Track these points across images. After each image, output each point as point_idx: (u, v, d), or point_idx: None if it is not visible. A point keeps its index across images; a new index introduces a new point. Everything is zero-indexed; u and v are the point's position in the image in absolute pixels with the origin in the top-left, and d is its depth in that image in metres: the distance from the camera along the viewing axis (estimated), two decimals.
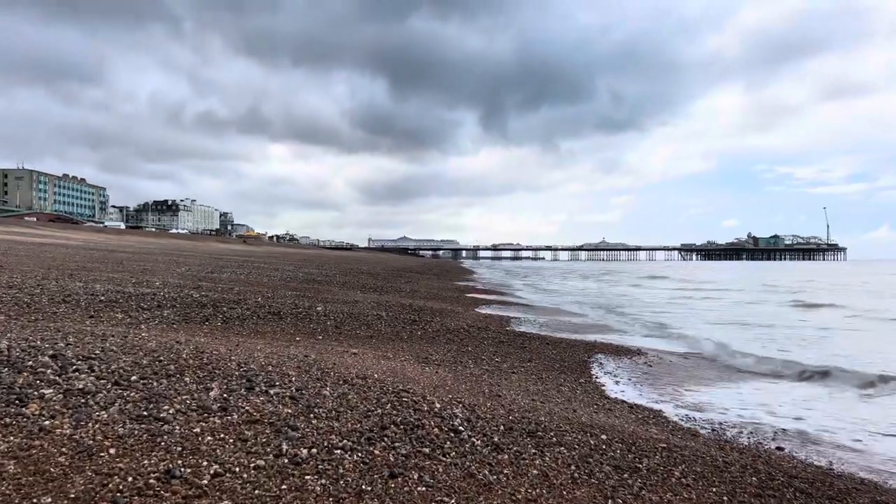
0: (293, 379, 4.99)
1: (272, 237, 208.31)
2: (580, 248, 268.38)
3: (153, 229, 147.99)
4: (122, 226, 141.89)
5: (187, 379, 4.61)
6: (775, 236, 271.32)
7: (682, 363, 9.41)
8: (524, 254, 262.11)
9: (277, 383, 4.75)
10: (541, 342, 9.96)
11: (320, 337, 8.49)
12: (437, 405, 4.69)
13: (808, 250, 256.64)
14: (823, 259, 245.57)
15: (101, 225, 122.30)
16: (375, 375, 5.71)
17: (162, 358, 5.16)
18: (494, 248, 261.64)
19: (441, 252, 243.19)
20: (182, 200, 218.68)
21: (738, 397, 7.18)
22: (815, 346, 11.59)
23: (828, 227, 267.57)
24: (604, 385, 7.34)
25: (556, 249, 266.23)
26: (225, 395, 4.29)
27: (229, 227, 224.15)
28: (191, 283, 13.67)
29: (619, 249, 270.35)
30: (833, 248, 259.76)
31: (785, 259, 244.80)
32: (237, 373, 4.95)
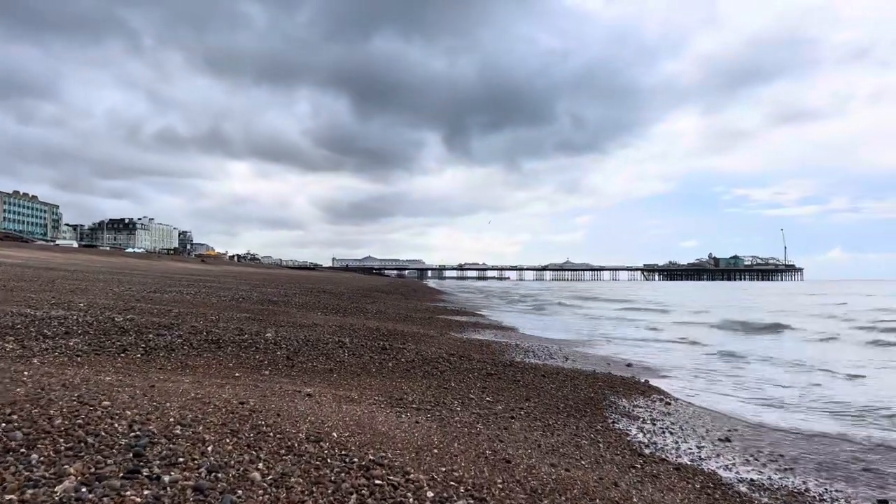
0: (209, 449, 3.34)
1: (233, 256, 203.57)
2: (545, 268, 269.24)
3: (107, 248, 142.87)
4: (75, 244, 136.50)
5: (35, 456, 2.94)
6: (735, 257, 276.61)
7: (701, 412, 7.94)
8: (490, 273, 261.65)
9: (181, 459, 3.10)
10: (534, 373, 8.40)
11: (266, 372, 6.78)
12: (430, 492, 3.08)
13: (766, 271, 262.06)
14: (781, 279, 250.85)
15: (52, 243, 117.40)
16: (335, 435, 4.07)
17: (15, 416, 3.47)
18: (460, 267, 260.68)
19: (407, 272, 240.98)
20: (140, 219, 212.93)
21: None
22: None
23: (785, 248, 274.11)
24: (627, 432, 5.80)
25: (521, 269, 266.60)
26: (83, 490, 2.62)
27: (188, 246, 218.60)
28: (122, 305, 11.79)
29: (584, 269, 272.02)
30: (791, 269, 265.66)
31: (745, 279, 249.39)
32: (124, 441, 3.28)
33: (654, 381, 9.15)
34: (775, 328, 20.84)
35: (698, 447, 5.50)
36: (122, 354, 6.78)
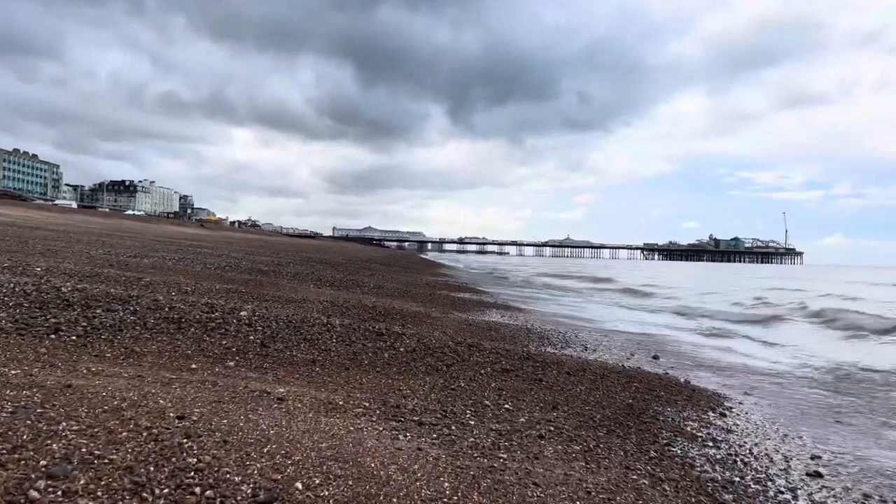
0: None
1: (234, 223, 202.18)
2: (545, 245, 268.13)
3: (107, 210, 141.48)
4: (74, 205, 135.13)
5: None
6: (736, 239, 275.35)
7: (762, 425, 6.65)
8: (489, 248, 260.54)
9: None
10: (557, 370, 7.07)
11: (232, 363, 5.45)
12: None
13: (766, 254, 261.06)
14: (781, 262, 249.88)
15: (51, 203, 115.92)
16: (299, 485, 2.75)
17: None
18: (460, 241, 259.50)
19: (406, 244, 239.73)
20: (140, 182, 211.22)
21: None
22: None
23: (786, 231, 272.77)
24: (691, 462, 4.48)
25: (521, 245, 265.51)
26: None
27: (189, 211, 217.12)
28: (88, 271, 10.44)
29: (584, 247, 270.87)
30: (791, 253, 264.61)
31: (744, 261, 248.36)
32: None
33: (692, 380, 7.85)
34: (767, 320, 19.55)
35: (790, 488, 4.18)
36: (54, 335, 5.44)
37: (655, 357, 10.08)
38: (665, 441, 4.91)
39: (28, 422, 3.00)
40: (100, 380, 4.27)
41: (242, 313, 7.25)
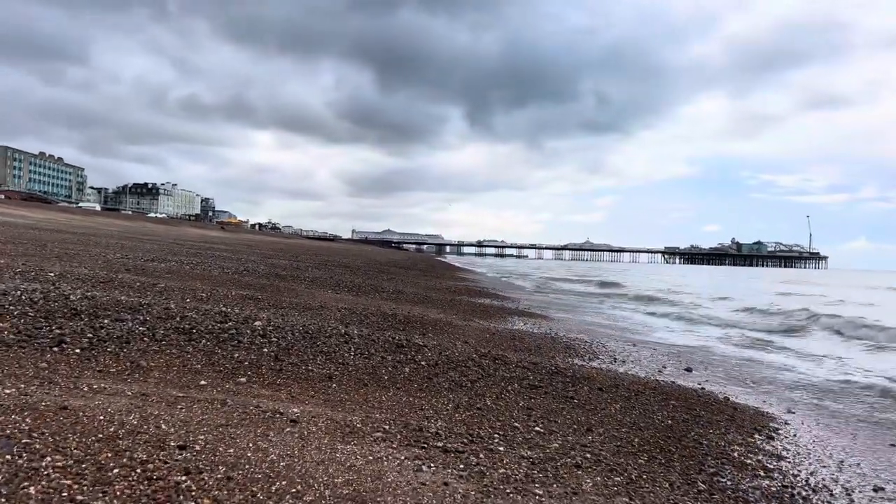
0: None
1: (254, 225, 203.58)
2: (565, 248, 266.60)
3: (129, 212, 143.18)
4: (98, 207, 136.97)
5: None
6: (758, 242, 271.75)
7: (814, 447, 6.18)
8: (508, 251, 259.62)
9: None
10: (588, 385, 6.66)
11: (243, 378, 5.12)
12: None
13: (790, 258, 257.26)
14: (805, 267, 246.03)
15: (75, 205, 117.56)
16: None
17: None
18: (479, 244, 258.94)
19: (425, 246, 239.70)
20: (163, 184, 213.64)
21: None
22: None
23: (810, 235, 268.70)
24: (745, 498, 4.06)
25: (540, 248, 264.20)
26: None
27: (210, 214, 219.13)
28: (104, 276, 10.21)
29: (604, 250, 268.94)
30: (815, 257, 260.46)
31: (767, 265, 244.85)
32: None
33: (729, 395, 7.39)
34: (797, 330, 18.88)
35: None
36: (57, 348, 5.15)
37: (688, 370, 9.61)
38: (712, 469, 4.48)
39: (7, 457, 2.67)
40: (100, 399, 3.95)
41: (257, 323, 6.92)
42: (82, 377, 4.52)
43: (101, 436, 3.18)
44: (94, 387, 4.28)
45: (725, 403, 6.81)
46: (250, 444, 3.43)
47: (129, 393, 4.25)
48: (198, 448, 3.22)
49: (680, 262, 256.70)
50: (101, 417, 3.51)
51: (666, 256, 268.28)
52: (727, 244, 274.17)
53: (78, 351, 5.16)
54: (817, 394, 8.43)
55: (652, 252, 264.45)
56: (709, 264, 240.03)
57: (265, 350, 6.01)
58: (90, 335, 5.62)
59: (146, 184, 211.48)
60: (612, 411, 5.74)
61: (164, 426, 3.51)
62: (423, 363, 6.43)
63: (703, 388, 7.80)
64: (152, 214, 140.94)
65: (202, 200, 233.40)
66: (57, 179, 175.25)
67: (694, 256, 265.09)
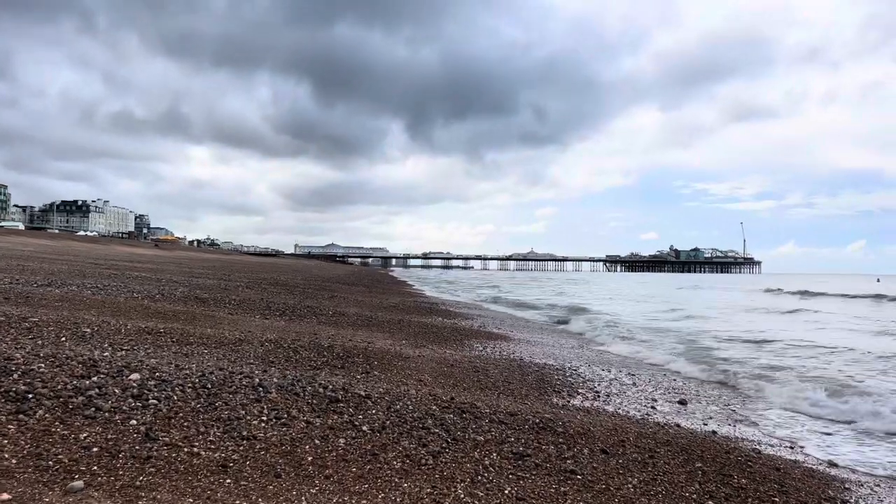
0: None
1: (192, 242, 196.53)
2: (509, 258, 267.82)
3: (55, 231, 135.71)
4: (21, 226, 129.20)
5: None
6: (696, 249, 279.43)
7: None
8: (454, 263, 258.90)
9: None
10: (588, 445, 4.99)
11: (80, 481, 3.22)
12: None
13: (726, 263, 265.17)
14: (740, 272, 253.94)
15: None
16: None
17: None
18: (425, 256, 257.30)
19: (370, 260, 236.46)
20: (94, 201, 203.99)
21: None
22: None
23: (744, 241, 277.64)
24: None
25: (486, 259, 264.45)
26: None
27: (145, 231, 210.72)
28: None
29: (547, 260, 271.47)
30: (749, 262, 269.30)
31: (704, 271, 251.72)
32: None
33: (756, 443, 5.89)
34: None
35: None
36: None
37: (682, 402, 8.13)
38: None
39: None
40: None
41: (134, 376, 5.00)
42: None
43: None
44: None
45: (766, 464, 5.25)
46: None
47: None
48: None
49: (621, 270, 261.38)
50: None
51: (608, 265, 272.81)
52: (666, 251, 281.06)
53: None
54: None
55: (594, 261, 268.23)
56: (650, 271, 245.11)
57: (133, 422, 4.13)
58: None
59: (75, 201, 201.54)
60: (630, 492, 4.10)
61: None
62: (364, 428, 4.64)
63: (715, 433, 6.28)
64: (81, 233, 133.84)
65: (136, 217, 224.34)
66: None
67: (634, 264, 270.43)
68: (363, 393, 5.49)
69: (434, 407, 5.48)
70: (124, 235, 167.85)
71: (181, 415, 4.37)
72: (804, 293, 44.69)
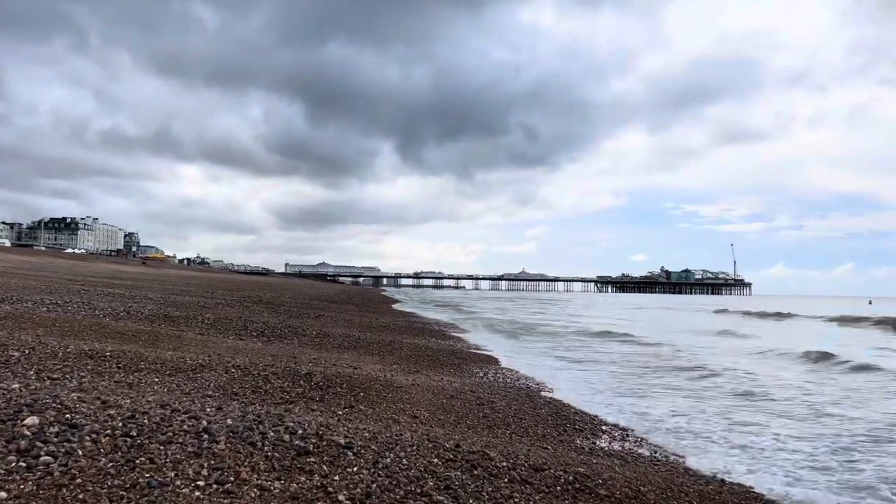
0: None
1: (182, 260, 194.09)
2: (501, 278, 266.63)
3: (43, 248, 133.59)
4: (7, 243, 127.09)
5: None
6: (686, 270, 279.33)
7: None
8: (446, 282, 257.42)
9: None
10: None
11: None
12: None
13: (717, 285, 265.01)
14: (731, 293, 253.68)
15: None
16: None
17: None
18: (416, 275, 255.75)
19: (361, 279, 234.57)
20: (83, 219, 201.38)
21: None
22: None
23: (735, 262, 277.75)
24: None
25: (477, 278, 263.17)
26: None
27: (134, 249, 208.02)
28: None
29: (539, 280, 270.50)
30: (740, 283, 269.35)
31: (695, 293, 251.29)
32: None
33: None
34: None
35: None
36: None
37: (723, 482, 6.87)
38: None
39: None
40: None
41: (30, 420, 3.69)
42: None
43: None
44: None
45: None
46: None
47: None
48: None
49: (612, 291, 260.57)
50: None
51: (599, 285, 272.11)
52: (657, 272, 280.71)
53: None
54: None
55: (585, 281, 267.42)
56: (641, 292, 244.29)
57: (1, 495, 2.84)
58: None
59: (64, 218, 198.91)
60: None
61: None
62: (342, 497, 3.35)
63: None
64: (69, 251, 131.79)
65: (126, 235, 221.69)
66: None
67: (625, 285, 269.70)
68: (343, 441, 4.19)
69: (435, 459, 4.20)
70: (112, 253, 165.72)
71: (79, 480, 3.07)
72: (761, 314, 44.61)
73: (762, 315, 44.51)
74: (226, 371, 6.99)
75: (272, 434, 4.12)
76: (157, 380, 6.13)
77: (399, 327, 19.49)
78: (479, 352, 14.30)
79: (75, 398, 4.50)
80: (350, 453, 4.01)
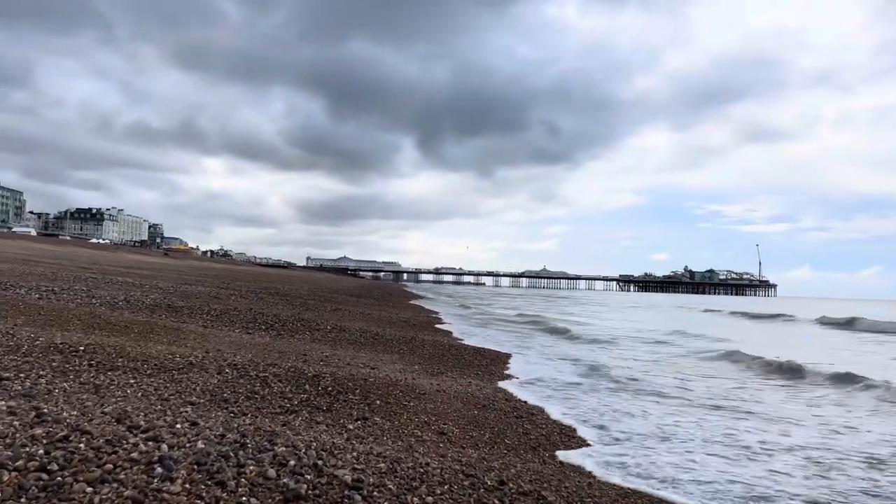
0: None
1: (206, 252, 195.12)
2: (522, 275, 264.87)
3: (68, 238, 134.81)
4: (33, 232, 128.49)
5: None
6: (710, 270, 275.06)
7: None
8: (466, 279, 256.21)
9: None
10: None
11: None
12: None
13: (741, 285, 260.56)
14: (755, 294, 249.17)
15: (6, 230, 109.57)
16: None
17: None
18: (437, 271, 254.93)
19: (382, 274, 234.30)
20: (108, 209, 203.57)
21: None
22: None
23: (760, 263, 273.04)
24: None
25: (497, 275, 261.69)
26: None
27: (159, 240, 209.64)
28: None
29: (560, 278, 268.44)
30: (765, 285, 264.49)
31: (718, 293, 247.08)
32: None
33: None
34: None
35: None
36: None
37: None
38: None
39: None
40: None
41: None
42: None
43: None
44: None
45: None
46: None
47: None
48: None
49: (634, 290, 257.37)
50: None
51: (621, 284, 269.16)
52: (680, 272, 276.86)
53: None
54: None
55: (607, 280, 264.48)
56: (663, 292, 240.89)
57: None
58: None
59: (90, 209, 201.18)
60: None
61: None
62: None
63: None
64: (94, 240, 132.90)
65: (150, 227, 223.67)
66: None
67: (648, 284, 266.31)
68: (349, 478, 3.08)
69: (471, 491, 3.07)
70: (136, 244, 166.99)
71: None
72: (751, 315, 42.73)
73: (755, 317, 42.35)
74: (219, 371, 5.93)
75: (253, 467, 3.01)
76: (132, 381, 5.09)
77: (420, 323, 18.39)
78: (506, 350, 13.13)
79: (3, 407, 3.45)
80: (358, 497, 2.90)
